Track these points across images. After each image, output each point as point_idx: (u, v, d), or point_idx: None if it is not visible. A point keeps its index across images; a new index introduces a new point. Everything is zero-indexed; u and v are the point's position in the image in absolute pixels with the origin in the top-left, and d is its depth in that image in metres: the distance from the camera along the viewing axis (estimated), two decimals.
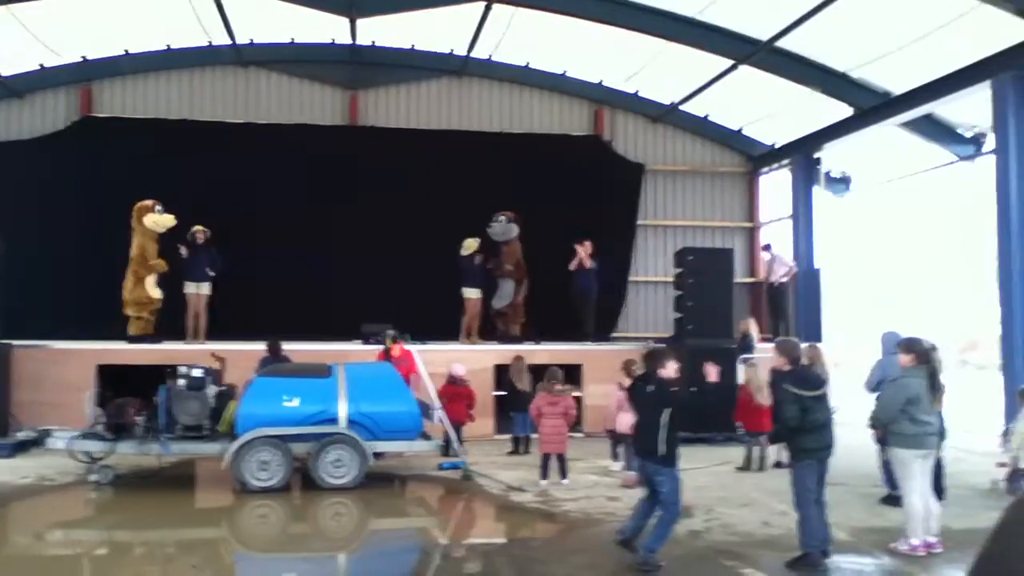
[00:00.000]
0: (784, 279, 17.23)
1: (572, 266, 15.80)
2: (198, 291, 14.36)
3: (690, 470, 11.13)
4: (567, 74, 18.67)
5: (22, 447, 11.89)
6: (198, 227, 14.37)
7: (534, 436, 11.40)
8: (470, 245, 15.09)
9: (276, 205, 16.49)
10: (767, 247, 17.84)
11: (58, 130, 17.37)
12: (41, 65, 17.05)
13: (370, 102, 18.61)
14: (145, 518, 8.80)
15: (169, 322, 14.29)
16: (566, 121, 19.25)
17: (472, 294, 15.21)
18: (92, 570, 7.21)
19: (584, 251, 15.71)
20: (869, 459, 9.90)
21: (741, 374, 13.21)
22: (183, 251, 14.19)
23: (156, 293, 13.94)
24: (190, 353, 12.53)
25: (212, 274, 14.42)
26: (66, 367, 13.01)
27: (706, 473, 11.02)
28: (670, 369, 6.85)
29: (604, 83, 18.76)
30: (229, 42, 16.77)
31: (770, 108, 17.74)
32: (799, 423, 6.72)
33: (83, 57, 17.20)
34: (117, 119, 17.53)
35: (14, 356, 12.83)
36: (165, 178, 15.68)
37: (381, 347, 12.55)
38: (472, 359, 13.59)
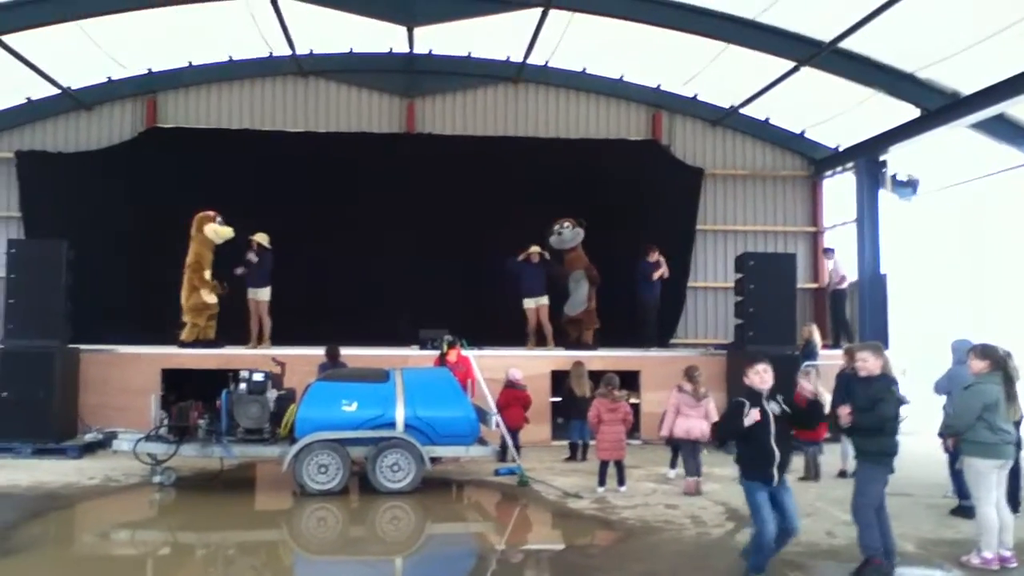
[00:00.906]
0: (841, 286, 16.95)
1: (657, 274, 15.71)
2: (256, 297, 14.57)
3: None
4: (624, 79, 18.52)
5: (89, 449, 12.18)
6: (258, 234, 14.59)
7: (591, 443, 11.31)
8: (534, 251, 15.06)
9: (334, 212, 16.65)
10: (829, 252, 17.50)
11: (124, 141, 17.83)
12: (108, 77, 17.50)
13: (427, 109, 18.72)
14: (207, 519, 8.94)
15: (231, 327, 14.51)
16: (623, 126, 19.10)
17: (534, 303, 15.16)
18: (156, 570, 7.33)
19: (663, 261, 15.77)
20: (937, 469, 9.60)
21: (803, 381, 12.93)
22: (241, 270, 14.43)
23: (212, 299, 14.20)
24: (251, 358, 12.72)
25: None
26: (131, 371, 13.30)
27: None
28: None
29: (662, 87, 18.56)
30: (289, 52, 17.03)
31: (833, 110, 17.34)
32: (894, 424, 6.60)
33: (148, 69, 17.62)
34: (181, 129, 17.93)
35: (82, 361, 13.17)
36: (227, 186, 15.96)
37: (438, 352, 12.58)
38: (528, 365, 13.53)
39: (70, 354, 12.83)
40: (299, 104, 18.43)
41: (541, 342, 15.07)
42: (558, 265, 15.17)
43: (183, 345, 14.02)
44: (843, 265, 17.56)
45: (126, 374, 13.27)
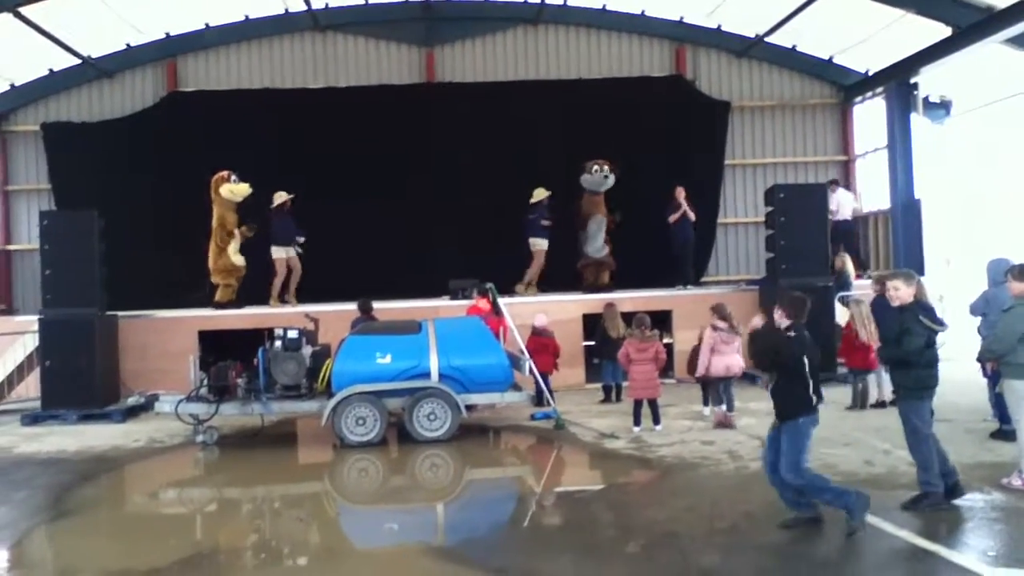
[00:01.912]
0: (847, 218, 16.75)
1: (673, 219, 15.52)
2: (287, 255, 14.62)
3: None
4: (645, 14, 18.14)
5: (132, 413, 12.42)
6: (281, 193, 14.60)
7: (624, 384, 11.32)
8: (539, 194, 14.97)
9: (359, 166, 16.60)
10: (834, 184, 17.07)
11: (147, 107, 17.88)
12: (127, 44, 17.52)
13: (446, 58, 18.51)
14: (251, 475, 9.12)
15: (256, 288, 14.62)
16: (646, 63, 18.76)
17: (540, 245, 15.11)
18: (205, 526, 7.50)
19: (686, 202, 15.55)
20: (977, 393, 9.50)
21: (839, 312, 12.83)
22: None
23: (239, 260, 14.30)
24: (285, 316, 12.83)
25: (300, 240, 14.63)
26: (168, 335, 13.49)
27: None
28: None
29: (684, 20, 18.16)
30: (305, 8, 16.87)
31: (862, 34, 16.85)
32: (919, 357, 6.46)
33: (166, 33, 17.59)
34: (202, 92, 17.92)
35: (120, 327, 13.38)
36: (250, 146, 15.96)
37: (470, 302, 12.61)
38: (559, 309, 13.53)
39: (108, 321, 13.03)
40: (318, 60, 18.30)
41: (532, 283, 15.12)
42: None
43: (217, 306, 14.18)
44: (848, 198, 17.28)
45: (163, 338, 13.46)
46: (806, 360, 6.16)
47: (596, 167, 14.91)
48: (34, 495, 8.12)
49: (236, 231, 14.27)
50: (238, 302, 14.40)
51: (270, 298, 14.47)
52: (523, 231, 15.11)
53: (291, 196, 14.52)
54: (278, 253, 14.49)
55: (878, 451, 8.41)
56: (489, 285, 12.33)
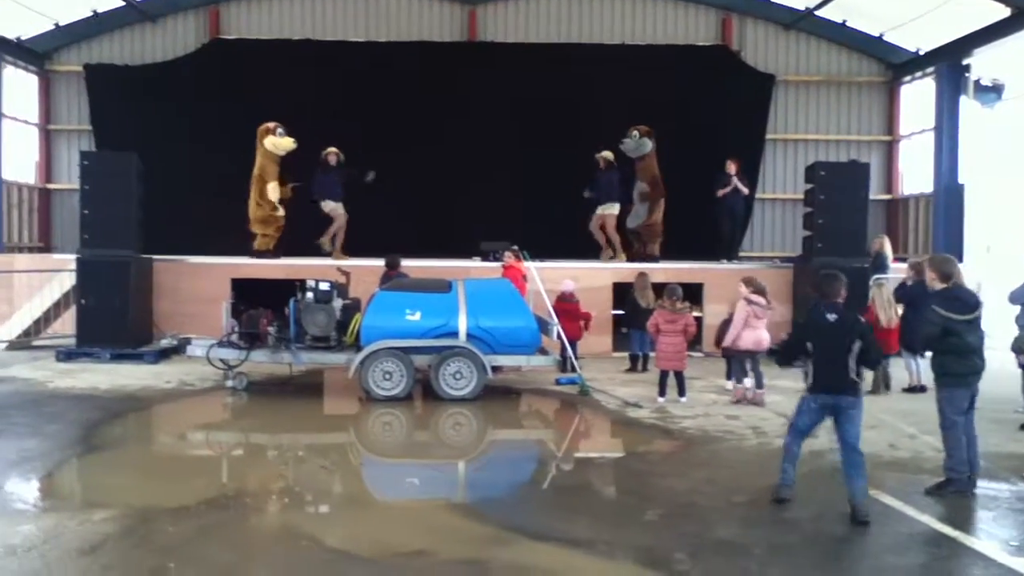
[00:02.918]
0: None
1: (722, 192, 15.25)
2: (335, 210, 14.67)
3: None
4: None
5: (164, 354, 12.63)
6: (331, 149, 14.62)
7: (651, 354, 11.29)
8: (605, 157, 14.80)
9: (396, 123, 16.58)
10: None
11: (189, 52, 17.94)
12: None
13: (488, 17, 18.35)
14: (277, 422, 9.24)
15: (296, 239, 14.70)
16: (691, 31, 18.47)
17: (600, 211, 14.95)
18: (230, 469, 7.63)
19: (738, 176, 15.32)
20: (1010, 384, 9.36)
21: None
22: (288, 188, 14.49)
23: (280, 210, 14.37)
24: (317, 268, 12.90)
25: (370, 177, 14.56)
26: (202, 280, 13.65)
27: None
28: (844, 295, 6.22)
29: None
30: None
31: (915, 11, 16.42)
32: (937, 346, 6.39)
33: None
34: (244, 40, 17.95)
35: (155, 270, 13.56)
36: (288, 97, 16.04)
37: (501, 264, 12.61)
38: (590, 277, 13.49)
39: (143, 263, 13.21)
40: (359, 13, 18.23)
41: (612, 252, 14.97)
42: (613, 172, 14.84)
43: (255, 255, 14.28)
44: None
45: (197, 283, 13.63)
46: (808, 341, 6.14)
47: (636, 132, 14.79)
48: (65, 429, 8.30)
49: (275, 183, 14.28)
50: (277, 252, 14.47)
51: (333, 250, 14.52)
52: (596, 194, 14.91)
53: (334, 150, 14.53)
54: (327, 206, 14.56)
55: (904, 435, 8.35)
56: (514, 246, 12.32)
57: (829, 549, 5.54)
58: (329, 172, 14.53)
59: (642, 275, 12.52)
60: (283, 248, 14.61)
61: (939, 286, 6.48)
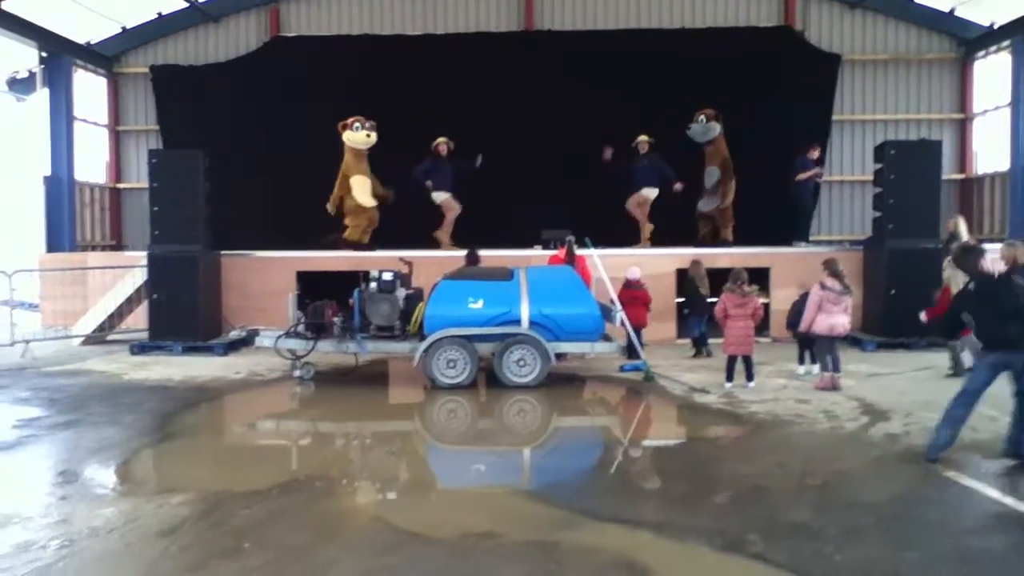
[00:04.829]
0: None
1: (801, 177, 14.90)
2: (441, 198, 14.76)
3: (888, 375, 10.62)
4: None
5: (233, 346, 12.90)
6: (441, 139, 14.71)
7: (712, 341, 11.12)
8: (647, 140, 14.72)
9: (455, 114, 16.59)
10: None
11: (251, 51, 18.26)
12: None
13: (545, 5, 18.27)
14: (344, 411, 9.34)
15: (390, 231, 14.78)
16: (753, 12, 18.14)
17: (636, 197, 14.89)
18: (300, 455, 7.73)
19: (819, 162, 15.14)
20: None
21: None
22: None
23: (366, 202, 14.44)
24: (379, 259, 13.01)
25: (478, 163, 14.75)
26: (268, 274, 13.88)
27: (905, 379, 10.40)
28: (988, 261, 6.77)
29: None
30: None
31: None
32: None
33: None
34: (303, 37, 18.21)
35: (223, 264, 13.83)
36: (348, 91, 16.16)
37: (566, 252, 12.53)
38: (653, 263, 13.35)
39: (212, 258, 13.48)
40: (416, 6, 18.33)
41: (637, 237, 14.92)
42: (666, 165, 14.72)
43: (346, 245, 14.36)
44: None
45: (264, 276, 13.87)
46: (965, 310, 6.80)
47: (703, 117, 14.63)
48: (141, 419, 8.53)
49: (360, 176, 14.34)
50: (370, 244, 14.57)
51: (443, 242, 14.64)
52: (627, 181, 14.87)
53: (444, 140, 14.67)
54: (440, 196, 14.65)
55: (984, 417, 8.05)
56: (570, 237, 12.26)
57: (908, 532, 5.36)
58: (440, 162, 14.63)
59: (696, 263, 12.36)
60: (379, 240, 14.66)
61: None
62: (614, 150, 14.73)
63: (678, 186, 14.73)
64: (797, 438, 7.68)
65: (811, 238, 17.21)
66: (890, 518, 5.55)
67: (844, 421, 8.17)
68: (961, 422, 6.61)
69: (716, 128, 14.60)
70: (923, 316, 9.91)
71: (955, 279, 10.33)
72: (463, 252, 12.53)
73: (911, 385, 9.96)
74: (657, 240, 14.84)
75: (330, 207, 14.50)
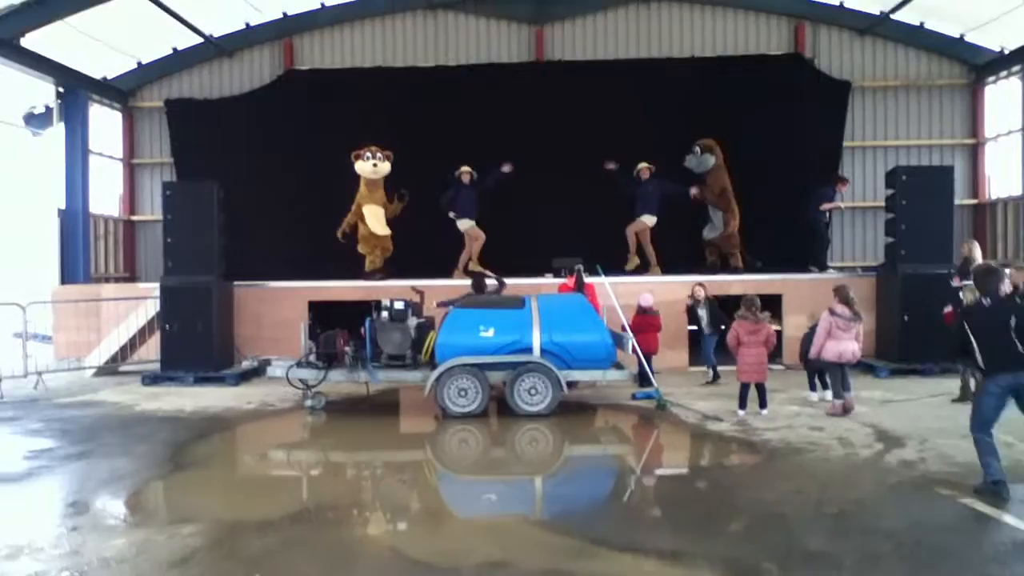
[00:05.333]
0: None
1: (826, 207, 15.08)
2: (465, 227, 14.92)
3: (902, 401, 10.53)
4: None
5: (246, 376, 12.92)
6: (464, 168, 14.90)
7: (723, 368, 11.06)
8: (647, 167, 14.85)
9: (467, 144, 16.63)
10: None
11: (264, 84, 18.43)
12: (247, 24, 18.08)
13: (556, 36, 18.40)
14: (356, 440, 9.32)
15: (408, 259, 14.89)
16: (763, 41, 18.19)
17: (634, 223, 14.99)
18: (311, 485, 7.71)
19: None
20: None
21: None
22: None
23: (379, 231, 14.57)
24: (391, 288, 13.04)
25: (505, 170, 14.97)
26: (281, 304, 13.93)
27: (920, 405, 10.30)
28: (1008, 285, 6.93)
29: None
30: None
31: (997, 9, 15.86)
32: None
33: (283, 13, 18.07)
34: (317, 71, 18.36)
35: (236, 295, 13.88)
36: (361, 123, 16.23)
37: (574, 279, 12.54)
38: (665, 290, 13.31)
39: (225, 288, 13.54)
40: (428, 39, 18.47)
41: (645, 265, 14.89)
42: (670, 183, 14.85)
43: (365, 276, 14.49)
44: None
45: (276, 307, 13.92)
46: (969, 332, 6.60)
47: (697, 148, 14.77)
48: (153, 449, 8.52)
49: (373, 206, 14.50)
50: (386, 272, 14.65)
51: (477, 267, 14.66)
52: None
53: (467, 169, 14.90)
54: (464, 224, 14.82)
55: (1000, 443, 7.95)
56: (578, 266, 12.26)
57: (927, 560, 5.28)
58: (463, 190, 14.77)
59: (698, 287, 12.34)
60: (397, 268, 14.77)
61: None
62: (618, 165, 14.87)
63: (694, 191, 14.91)
64: (812, 465, 7.60)
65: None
66: (908, 545, 5.47)
67: (859, 448, 8.09)
68: (994, 444, 6.54)
69: (711, 160, 14.69)
70: (946, 310, 9.90)
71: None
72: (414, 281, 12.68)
73: (925, 411, 9.86)
74: (668, 267, 14.83)
75: (339, 233, 14.59)
